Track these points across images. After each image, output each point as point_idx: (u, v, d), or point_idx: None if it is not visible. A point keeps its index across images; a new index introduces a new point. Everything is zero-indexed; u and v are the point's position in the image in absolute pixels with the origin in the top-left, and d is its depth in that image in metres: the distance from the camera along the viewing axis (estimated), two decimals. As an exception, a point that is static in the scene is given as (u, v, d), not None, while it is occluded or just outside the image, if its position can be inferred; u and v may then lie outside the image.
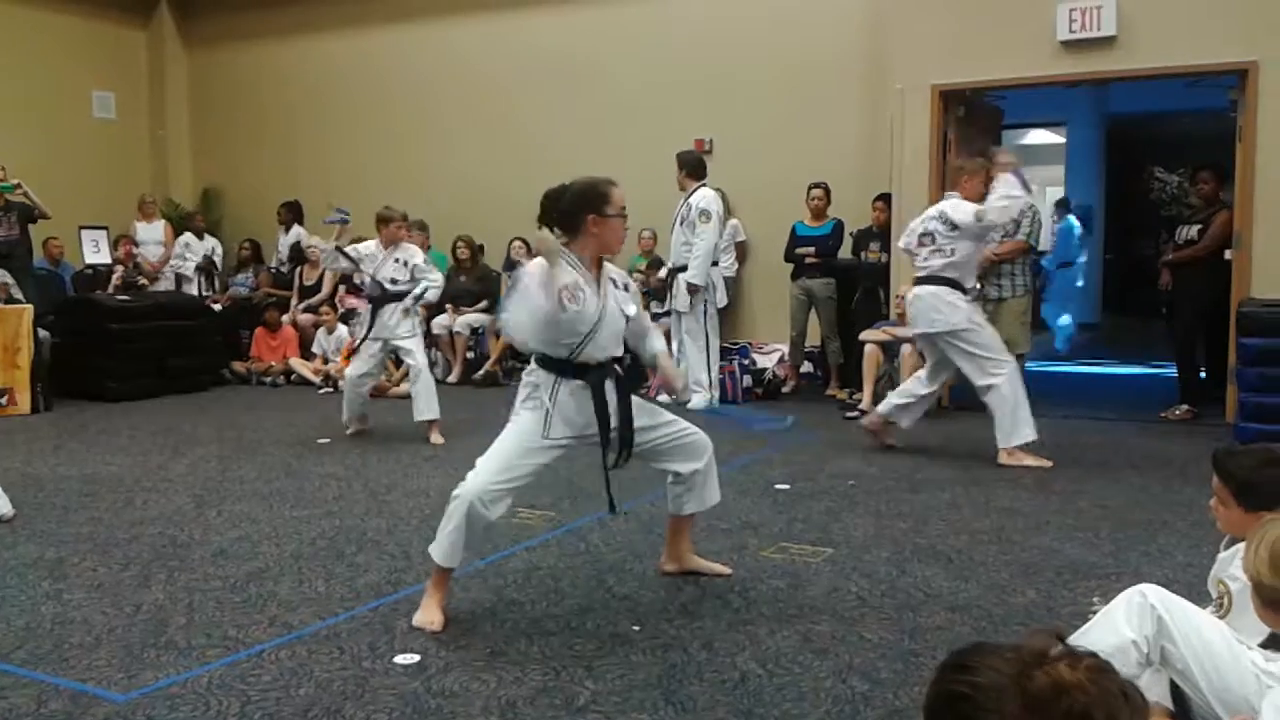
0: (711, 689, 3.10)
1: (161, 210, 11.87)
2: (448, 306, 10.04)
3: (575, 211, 3.66)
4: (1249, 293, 7.14)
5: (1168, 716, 2.41)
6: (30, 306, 8.63)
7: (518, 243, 10.13)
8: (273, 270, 11.44)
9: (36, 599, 3.94)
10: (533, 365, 3.77)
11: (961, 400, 8.23)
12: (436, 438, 7.06)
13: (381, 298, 7.09)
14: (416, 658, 3.33)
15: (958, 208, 6.07)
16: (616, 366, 3.82)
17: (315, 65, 11.88)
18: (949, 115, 8.21)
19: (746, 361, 8.98)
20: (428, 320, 10.07)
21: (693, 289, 8.22)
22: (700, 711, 2.96)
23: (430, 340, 10.17)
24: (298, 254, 11.15)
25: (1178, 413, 7.57)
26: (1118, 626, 2.32)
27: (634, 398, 3.88)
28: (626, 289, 3.86)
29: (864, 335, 8.09)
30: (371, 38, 11.55)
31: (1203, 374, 7.95)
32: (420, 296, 7.22)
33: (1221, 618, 2.50)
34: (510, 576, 4.16)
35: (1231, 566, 2.53)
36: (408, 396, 8.89)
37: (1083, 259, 13.24)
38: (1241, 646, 2.26)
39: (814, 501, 5.29)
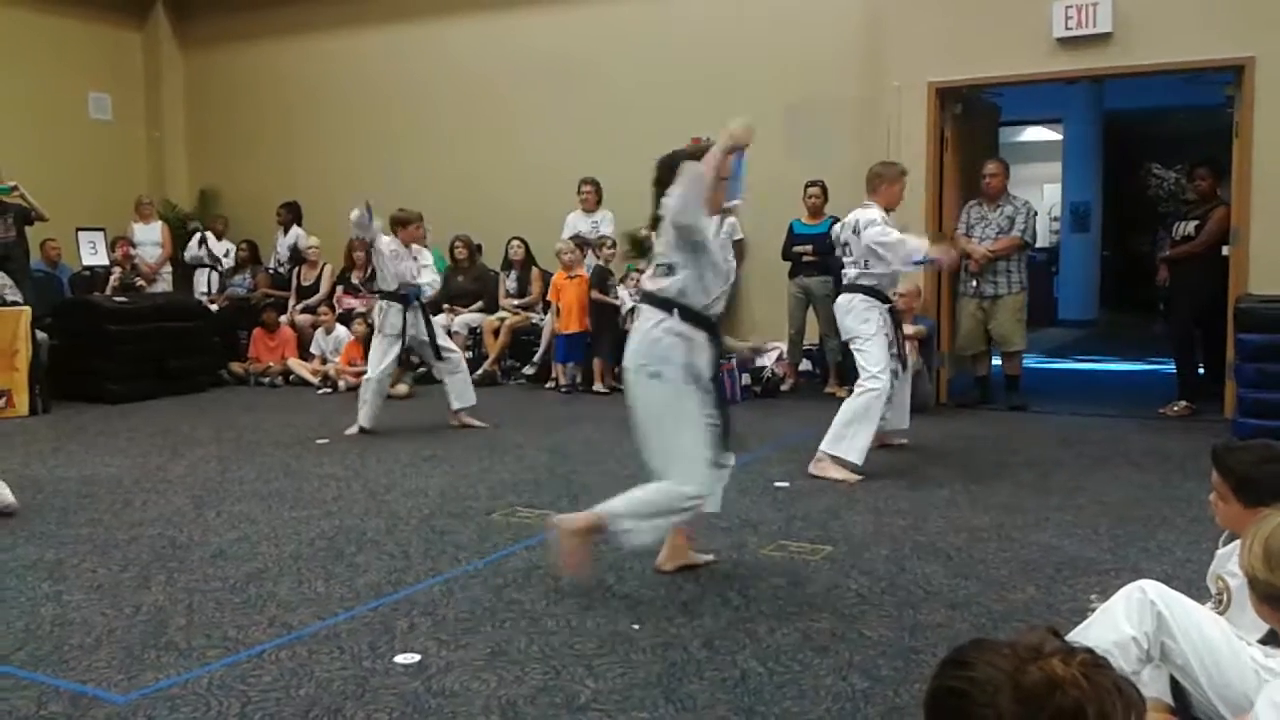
0: (712, 687, 3.10)
1: (159, 211, 11.87)
2: (445, 306, 10.03)
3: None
4: (1247, 288, 7.14)
5: (1167, 711, 2.41)
6: (28, 308, 8.62)
7: (516, 242, 10.13)
8: (270, 271, 11.43)
9: (36, 600, 3.93)
10: (665, 315, 3.85)
11: (960, 397, 8.25)
12: (475, 422, 7.44)
13: (405, 296, 7.29)
14: (417, 657, 3.33)
15: (866, 219, 5.89)
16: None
17: (311, 66, 11.88)
18: (946, 113, 8.22)
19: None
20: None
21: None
22: (701, 710, 2.96)
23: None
24: (296, 255, 11.15)
25: (1176, 409, 7.57)
26: (1118, 623, 2.32)
27: None
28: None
29: (862, 333, 8.07)
30: (368, 38, 11.54)
31: (1201, 370, 7.96)
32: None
33: (1221, 613, 2.50)
34: (510, 575, 4.16)
35: (1230, 562, 2.53)
36: (405, 396, 8.98)
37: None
38: (1241, 643, 2.26)
39: (813, 499, 5.29)
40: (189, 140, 12.85)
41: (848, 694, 3.05)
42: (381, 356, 7.34)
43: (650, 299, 3.95)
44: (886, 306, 6.00)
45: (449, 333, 9.91)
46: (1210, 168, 7.86)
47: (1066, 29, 7.59)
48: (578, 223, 9.78)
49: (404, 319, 7.28)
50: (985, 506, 5.12)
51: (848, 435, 5.68)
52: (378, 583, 4.10)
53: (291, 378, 10.05)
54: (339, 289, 10.71)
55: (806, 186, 8.94)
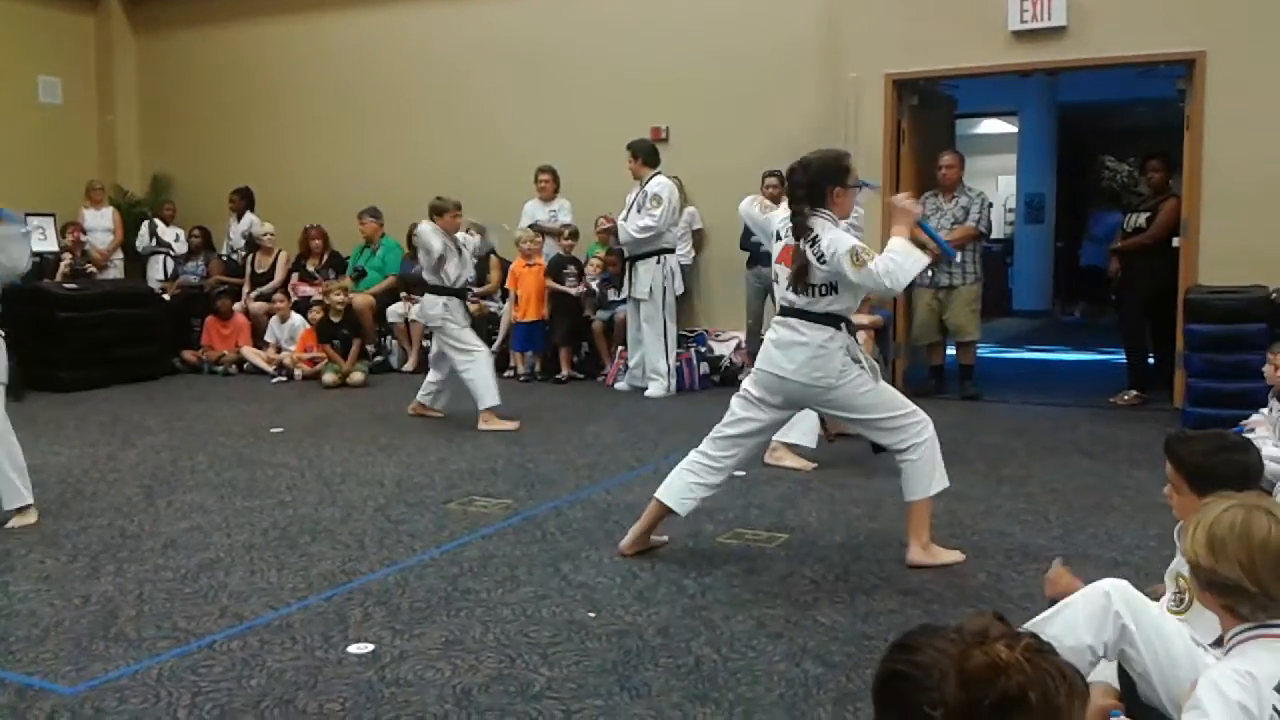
0: (666, 674, 3.12)
1: (110, 197, 11.68)
2: (403, 295, 9.96)
3: (821, 185, 4.02)
4: (1196, 280, 7.25)
5: (1115, 698, 2.44)
6: (-26, 295, 8.45)
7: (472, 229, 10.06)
8: (223, 258, 11.29)
9: (-19, 592, 3.88)
10: (833, 330, 4.04)
11: (915, 387, 8.32)
12: (432, 412, 7.35)
13: (459, 290, 7.25)
14: (370, 647, 3.32)
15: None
16: None
17: (269, 51, 11.72)
18: (903, 104, 8.26)
19: (703, 349, 9.00)
20: (383, 308, 10.02)
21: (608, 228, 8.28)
22: (655, 697, 2.97)
23: (385, 329, 10.12)
24: (250, 241, 11.02)
25: (1126, 398, 7.68)
26: (1075, 628, 2.30)
27: None
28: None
29: (819, 323, 8.12)
30: (327, 22, 11.39)
31: (1151, 359, 8.08)
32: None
33: (1181, 613, 2.51)
34: (466, 564, 4.15)
35: None
36: (361, 385, 8.92)
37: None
38: (1199, 649, 2.28)
39: (770, 488, 5.32)
40: (142, 125, 12.64)
41: (800, 679, 3.07)
42: (474, 338, 7.22)
43: (811, 316, 4.06)
44: None
45: (406, 321, 9.87)
46: (1162, 160, 7.97)
47: (1022, 22, 7.65)
48: (535, 211, 9.75)
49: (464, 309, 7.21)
50: (939, 495, 5.12)
51: (797, 421, 5.69)
52: (331, 572, 4.07)
53: (245, 366, 9.94)
54: (294, 276, 10.60)
55: (764, 176, 8.95)
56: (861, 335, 7.66)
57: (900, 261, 3.84)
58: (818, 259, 3.95)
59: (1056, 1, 7.53)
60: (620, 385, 8.73)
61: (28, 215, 10.52)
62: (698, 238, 9.65)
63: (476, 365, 7.02)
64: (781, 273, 4.13)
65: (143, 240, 11.34)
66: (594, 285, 9.28)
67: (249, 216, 11.30)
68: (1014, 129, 15.81)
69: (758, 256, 8.97)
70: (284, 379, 9.43)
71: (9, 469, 4.73)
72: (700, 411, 7.48)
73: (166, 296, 10.64)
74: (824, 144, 9.15)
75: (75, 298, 9.33)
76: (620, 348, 8.95)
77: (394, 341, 10.11)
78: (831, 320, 4.03)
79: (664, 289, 8.43)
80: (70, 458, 6.24)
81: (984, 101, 13.33)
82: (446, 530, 4.65)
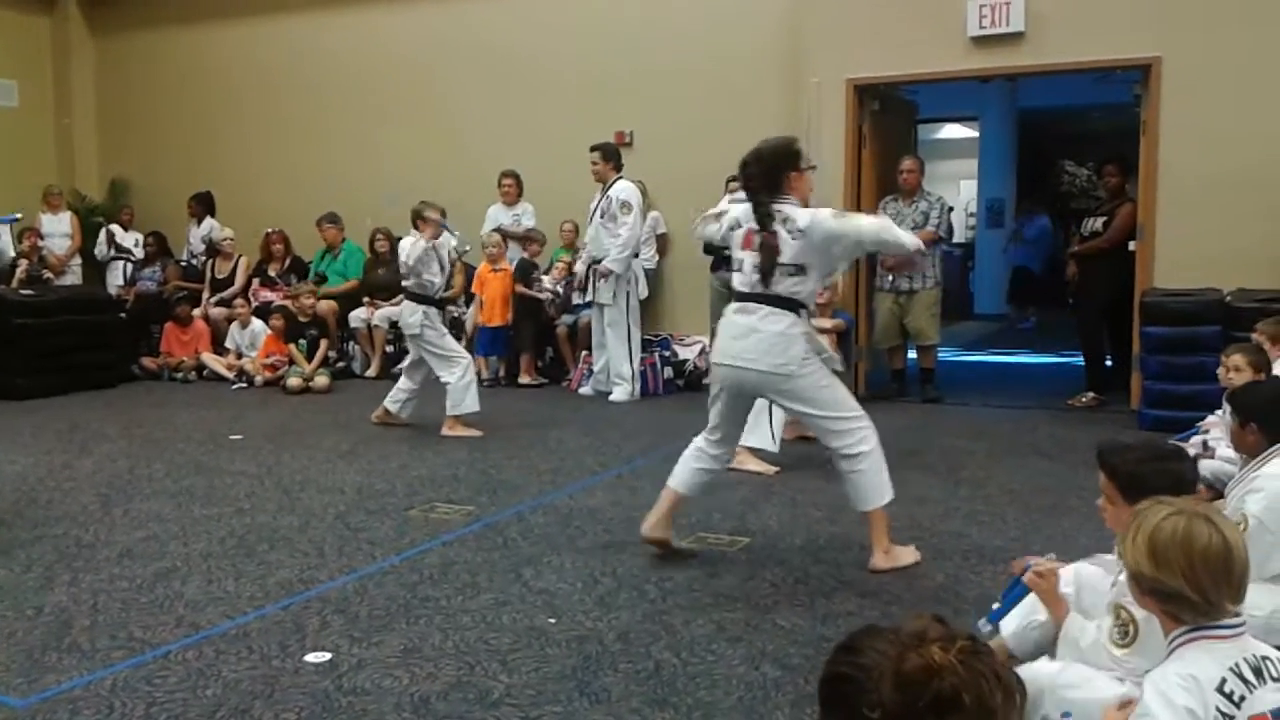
0: (626, 679, 3.12)
1: (68, 202, 11.53)
2: (365, 300, 9.91)
3: (778, 171, 4.05)
4: (1152, 283, 7.34)
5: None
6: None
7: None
8: (182, 264, 11.18)
9: (-69, 604, 3.81)
10: (795, 316, 4.04)
11: (877, 390, 8.38)
12: (395, 420, 7.24)
13: (437, 299, 7.18)
14: (328, 656, 3.29)
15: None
16: None
17: (230, 53, 11.62)
18: (864, 109, 8.32)
19: (668, 353, 9.01)
20: (345, 313, 9.95)
21: (605, 273, 8.23)
22: (614, 702, 2.97)
23: (348, 334, 10.05)
24: (210, 247, 10.92)
25: (1084, 400, 7.77)
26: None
27: None
28: None
29: (782, 327, 8.16)
30: (289, 25, 11.31)
31: (1108, 362, 8.18)
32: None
33: (1126, 645, 2.50)
34: (426, 571, 4.13)
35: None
36: (326, 390, 8.86)
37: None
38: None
39: (731, 491, 5.33)
40: (100, 129, 12.49)
41: (759, 683, 3.08)
42: (456, 345, 7.19)
43: (773, 300, 4.05)
44: None
45: (369, 326, 9.82)
46: (1118, 164, 8.07)
47: (981, 28, 7.73)
48: (499, 215, 9.73)
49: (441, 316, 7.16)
50: (898, 497, 5.13)
51: (759, 425, 5.71)
52: (289, 581, 4.04)
53: (205, 372, 9.85)
54: (255, 282, 10.51)
55: (728, 182, 8.97)
56: (824, 339, 7.76)
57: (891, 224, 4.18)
58: (794, 234, 3.96)
59: (1015, 8, 7.61)
60: (585, 390, 8.73)
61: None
62: (661, 242, 9.67)
63: (459, 372, 6.95)
64: (748, 259, 4.09)
65: (100, 250, 11.22)
66: (559, 289, 9.28)
67: (209, 221, 11.20)
68: (975, 134, 15.96)
69: (721, 261, 9.00)
70: (244, 385, 9.35)
71: None
72: (665, 416, 7.51)
73: (125, 300, 10.52)
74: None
75: (32, 304, 9.21)
76: (585, 352, 8.95)
77: (356, 347, 10.04)
78: (792, 305, 4.03)
79: (628, 293, 8.45)
80: (26, 466, 6.15)
81: (945, 107, 13.46)
82: (407, 537, 4.63)
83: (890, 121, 8.82)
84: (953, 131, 17.07)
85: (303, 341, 9.32)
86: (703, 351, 9.14)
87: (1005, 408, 7.88)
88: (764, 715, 2.90)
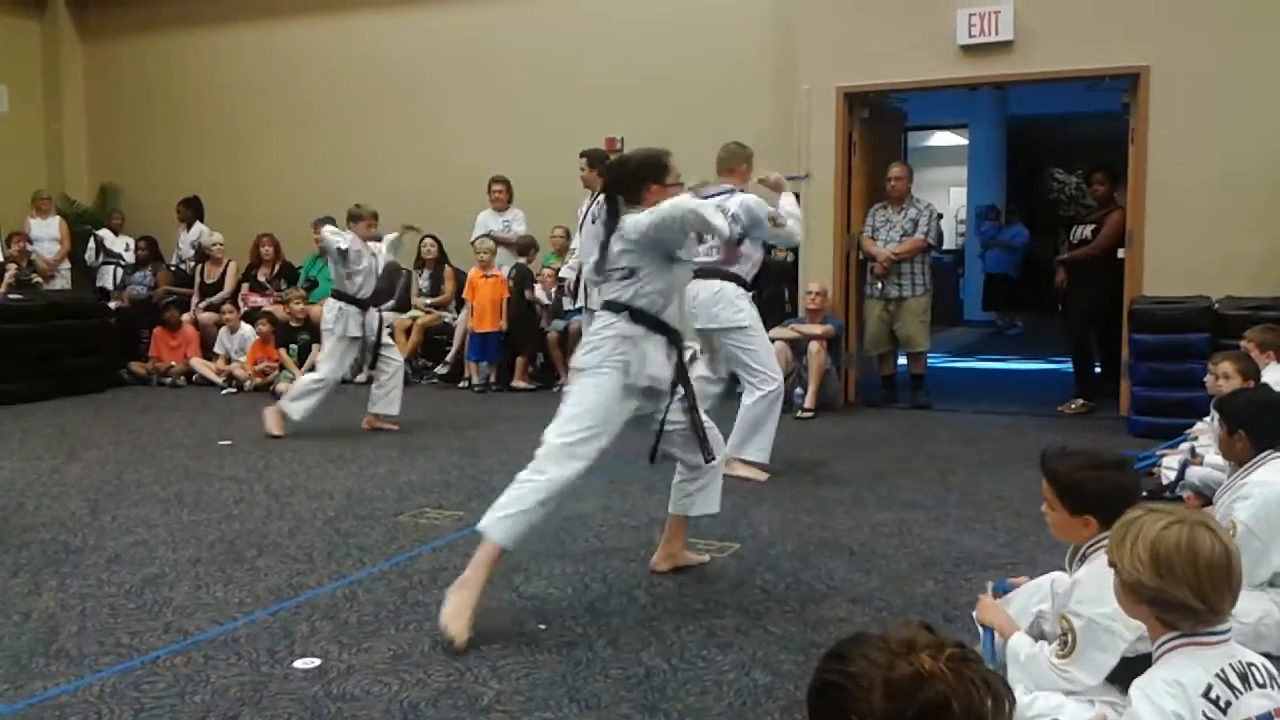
0: (615, 685, 3.11)
1: (57, 207, 11.50)
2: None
3: (640, 181, 3.86)
4: (1141, 290, 7.37)
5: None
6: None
7: (429, 240, 10.03)
8: (172, 268, 11.16)
9: (-82, 609, 3.79)
10: (615, 318, 3.79)
11: (867, 396, 8.40)
12: (386, 425, 7.39)
13: (363, 299, 7.25)
14: (317, 662, 3.28)
15: (739, 197, 5.76)
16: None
17: (220, 58, 11.61)
18: (854, 116, 8.34)
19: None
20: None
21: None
22: (604, 708, 2.97)
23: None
24: (200, 252, 10.90)
25: (1074, 406, 7.79)
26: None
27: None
28: None
29: (773, 333, 8.15)
30: (279, 30, 11.32)
31: (1097, 369, 8.20)
32: None
33: (1065, 655, 2.52)
34: (416, 578, 4.13)
35: (1073, 600, 2.54)
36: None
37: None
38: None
39: (722, 497, 5.31)
40: (90, 133, 12.47)
41: (749, 689, 3.08)
42: (339, 360, 7.20)
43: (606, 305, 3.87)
44: (750, 295, 5.88)
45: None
46: (1107, 172, 8.09)
47: (970, 36, 7.75)
48: (489, 221, 9.72)
49: (364, 322, 7.19)
50: (888, 503, 5.22)
51: (753, 440, 5.70)
52: (278, 586, 4.03)
53: (194, 378, 9.82)
54: (244, 287, 10.49)
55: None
56: (814, 345, 7.78)
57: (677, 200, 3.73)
58: (623, 234, 3.80)
59: (1004, 16, 7.64)
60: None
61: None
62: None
63: (316, 379, 7.17)
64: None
65: (90, 257, 11.20)
66: (549, 295, 9.28)
67: (198, 226, 11.19)
68: (964, 141, 16.02)
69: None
70: (234, 390, 9.33)
71: None
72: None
73: (113, 306, 10.49)
74: (779, 156, 9.27)
75: (20, 309, 9.18)
76: (575, 358, 8.94)
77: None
78: (615, 308, 3.82)
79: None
80: (14, 471, 6.13)
81: (935, 114, 13.52)
82: (397, 543, 4.62)
83: (880, 129, 8.85)
84: (942, 139, 17.14)
85: (294, 346, 9.31)
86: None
87: (995, 414, 7.90)
88: (754, 721, 2.90)
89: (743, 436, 5.68)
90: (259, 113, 11.38)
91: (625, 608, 3.78)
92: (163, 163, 11.84)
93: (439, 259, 10.09)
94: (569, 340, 9.12)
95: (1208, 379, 4.98)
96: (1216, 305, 6.88)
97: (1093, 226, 7.96)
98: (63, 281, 11.05)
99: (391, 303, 10.03)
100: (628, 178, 3.92)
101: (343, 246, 7.14)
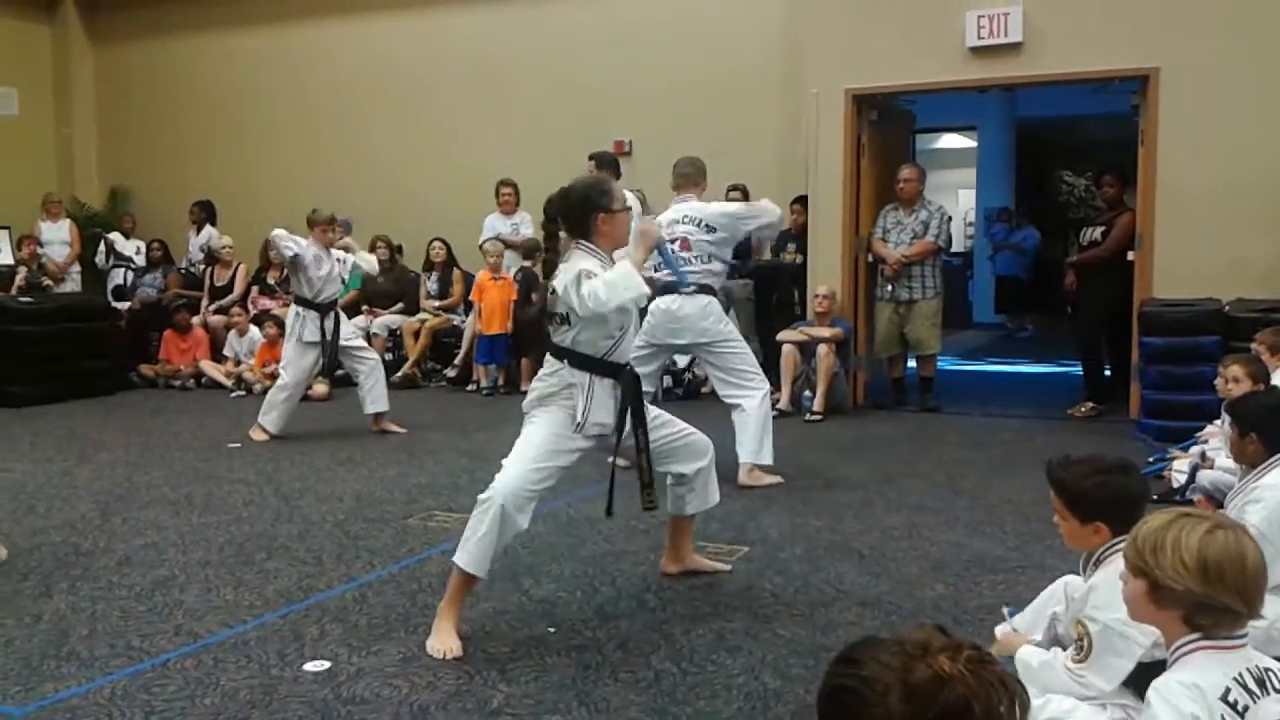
0: (625, 689, 3.11)
1: (67, 210, 11.54)
2: (365, 308, 9.92)
3: (584, 213, 3.67)
4: (1150, 293, 7.35)
5: None
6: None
7: (437, 243, 10.05)
8: (182, 271, 11.19)
9: (-71, 612, 3.81)
10: (559, 365, 3.67)
11: (876, 399, 8.38)
12: (394, 427, 7.37)
13: (322, 304, 7.22)
14: (327, 665, 3.29)
15: (715, 207, 5.91)
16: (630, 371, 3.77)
17: (229, 62, 11.65)
18: (862, 119, 8.33)
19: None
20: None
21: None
22: (613, 712, 2.97)
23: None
24: (209, 255, 10.93)
25: (1083, 409, 7.76)
26: None
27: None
28: None
29: (781, 336, 8.17)
30: (288, 34, 11.35)
31: (1107, 372, 8.18)
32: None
33: (1081, 660, 2.51)
34: (425, 580, 4.13)
35: (1089, 605, 2.52)
36: (324, 399, 8.86)
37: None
38: None
39: (731, 501, 5.31)
40: (100, 137, 12.52)
41: (759, 693, 3.08)
42: (298, 364, 7.22)
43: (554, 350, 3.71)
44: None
45: (368, 335, 9.81)
46: (1116, 175, 8.07)
47: (979, 38, 7.74)
48: (497, 224, 9.73)
49: (322, 326, 7.17)
50: (898, 506, 5.21)
51: (765, 443, 5.71)
52: (288, 589, 4.03)
53: (204, 380, 9.84)
54: (254, 290, 10.52)
55: (727, 191, 8.99)
56: (822, 348, 7.77)
57: (612, 280, 3.44)
58: (551, 292, 3.67)
59: (1013, 18, 7.62)
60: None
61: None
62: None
63: (279, 387, 7.25)
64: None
65: (100, 259, 11.24)
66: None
67: (208, 229, 11.22)
68: (973, 143, 15.98)
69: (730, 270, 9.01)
70: (243, 393, 9.34)
71: None
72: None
73: (123, 308, 10.52)
74: (786, 157, 9.27)
75: (31, 311, 9.21)
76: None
77: (355, 355, 10.03)
78: (559, 354, 3.70)
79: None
80: (24, 473, 6.15)
81: (943, 116, 13.49)
82: (406, 546, 4.62)
83: (889, 131, 8.84)
84: (951, 141, 17.11)
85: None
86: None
87: (1004, 417, 7.88)
88: (764, 725, 2.89)
89: (759, 440, 5.70)
90: (267, 116, 11.42)
91: (634, 611, 3.78)
92: (172, 166, 11.88)
93: (447, 262, 10.10)
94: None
95: (1218, 382, 4.96)
96: (1227, 308, 6.84)
97: (1102, 229, 7.93)
98: (73, 284, 11.10)
99: (400, 306, 10.06)
100: (573, 210, 3.70)
101: (293, 253, 7.10)
